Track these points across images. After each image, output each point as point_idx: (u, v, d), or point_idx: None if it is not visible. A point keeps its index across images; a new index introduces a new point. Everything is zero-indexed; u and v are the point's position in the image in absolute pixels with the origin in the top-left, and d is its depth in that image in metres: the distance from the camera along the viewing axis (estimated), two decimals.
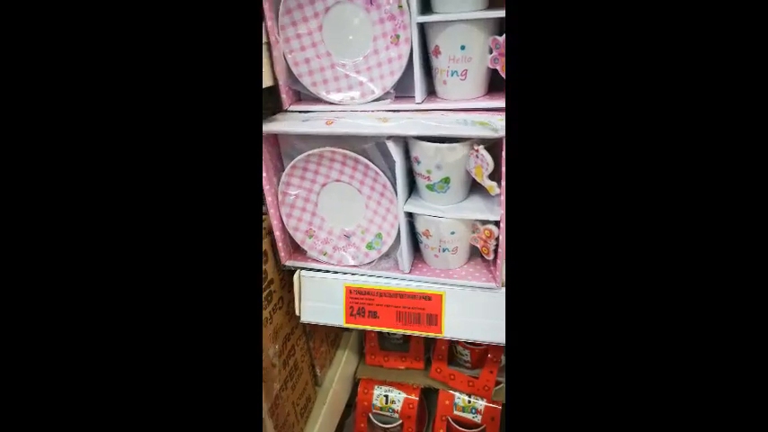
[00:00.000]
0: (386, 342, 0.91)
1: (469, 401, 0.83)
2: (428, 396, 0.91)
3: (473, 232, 0.53)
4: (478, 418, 0.82)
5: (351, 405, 0.91)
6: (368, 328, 0.58)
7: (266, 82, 0.53)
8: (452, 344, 0.86)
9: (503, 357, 0.82)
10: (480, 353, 0.83)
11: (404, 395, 0.85)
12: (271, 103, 0.57)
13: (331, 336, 0.84)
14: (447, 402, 0.84)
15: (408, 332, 0.57)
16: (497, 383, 0.82)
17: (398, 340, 0.91)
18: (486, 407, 0.82)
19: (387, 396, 0.86)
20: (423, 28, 0.50)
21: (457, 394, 0.84)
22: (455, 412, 0.84)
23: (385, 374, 0.88)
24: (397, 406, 0.85)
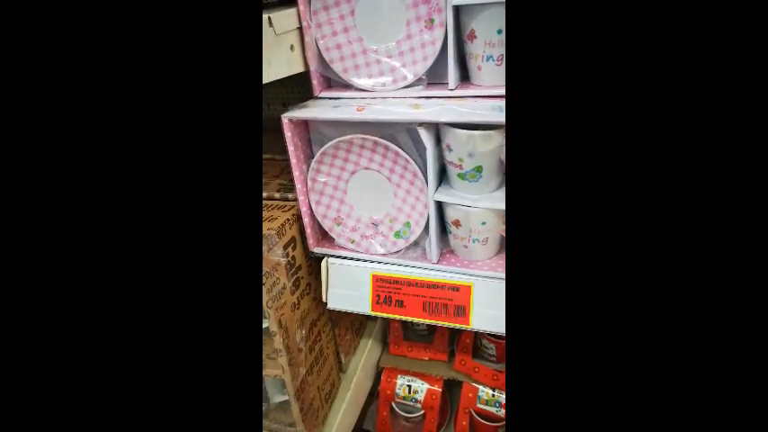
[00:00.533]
0: (410, 332, 0.91)
1: (493, 395, 0.82)
2: (451, 388, 0.90)
3: (504, 223, 0.52)
4: (502, 412, 0.82)
5: (373, 394, 0.91)
6: (394, 317, 0.58)
7: (297, 68, 0.53)
8: (477, 336, 0.85)
9: None
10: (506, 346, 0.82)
11: (427, 386, 0.85)
12: (302, 89, 0.56)
13: (356, 324, 0.84)
14: (471, 395, 0.84)
15: (435, 323, 0.56)
16: None
17: (423, 331, 0.91)
18: None
19: (410, 386, 0.86)
20: (458, 11, 0.48)
21: (481, 387, 0.83)
22: (479, 405, 0.83)
23: (408, 364, 0.88)
24: (420, 396, 0.85)
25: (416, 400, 0.86)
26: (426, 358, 0.88)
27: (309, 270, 0.61)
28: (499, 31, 0.47)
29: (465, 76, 0.54)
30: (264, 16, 0.45)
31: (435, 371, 0.86)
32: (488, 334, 0.82)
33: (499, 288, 0.53)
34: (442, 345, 0.87)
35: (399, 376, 0.87)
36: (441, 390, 0.84)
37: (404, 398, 0.86)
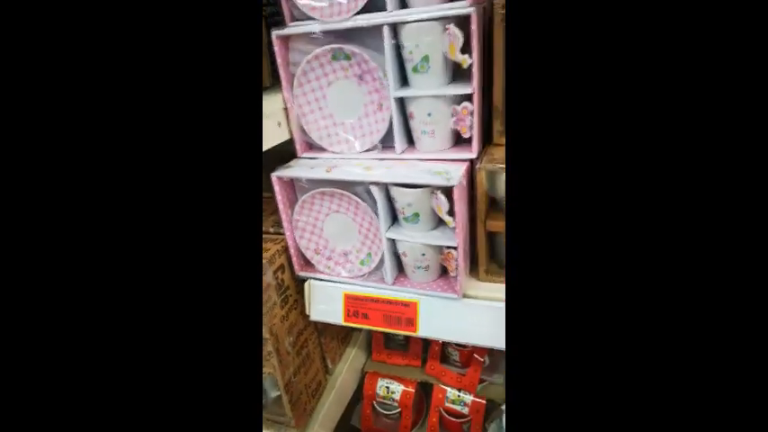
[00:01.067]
0: (390, 342, 1.06)
1: (459, 395, 0.96)
2: (426, 389, 1.05)
3: (440, 254, 0.68)
4: (466, 410, 0.96)
5: (359, 395, 1.06)
6: (361, 326, 0.74)
7: (285, 135, 0.71)
8: (445, 345, 1.00)
9: (486, 358, 0.95)
10: (467, 354, 0.96)
11: (402, 387, 1.00)
12: (289, 150, 0.74)
13: (341, 334, 1.00)
14: (440, 396, 0.98)
15: (391, 331, 0.72)
16: (482, 381, 0.96)
17: (401, 341, 1.06)
18: (472, 401, 0.95)
19: (388, 387, 1.01)
20: (401, 99, 0.65)
21: (449, 389, 0.97)
22: (446, 404, 0.97)
23: (388, 369, 1.03)
24: (397, 396, 1.00)
25: (394, 400, 1.00)
26: (403, 364, 1.03)
27: (296, 289, 0.78)
28: (429, 114, 0.64)
29: (411, 142, 0.70)
30: None
31: (410, 374, 1.01)
32: (454, 343, 0.97)
33: (439, 304, 0.69)
34: (416, 352, 1.02)
35: (379, 379, 1.02)
36: (413, 390, 0.99)
37: (383, 397, 1.01)
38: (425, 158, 0.66)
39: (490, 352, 0.95)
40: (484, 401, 0.94)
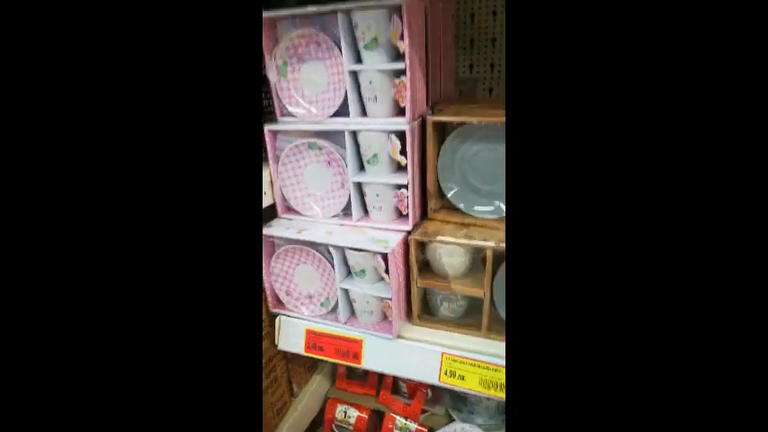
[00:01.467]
0: (352, 373, 1.23)
1: (405, 423, 1.12)
2: (379, 416, 1.20)
3: (382, 303, 0.86)
4: None
5: (322, 420, 1.22)
6: (316, 357, 0.92)
7: (269, 200, 0.91)
8: (396, 378, 1.16)
9: (429, 391, 1.11)
10: (413, 386, 1.13)
11: (357, 413, 1.16)
12: (271, 212, 0.94)
13: (309, 363, 1.17)
14: (390, 425, 1.14)
15: (340, 362, 0.90)
16: (424, 411, 1.12)
17: (361, 373, 1.23)
18: (416, 429, 1.11)
19: (345, 412, 1.17)
20: (358, 182, 0.86)
21: (397, 417, 1.13)
22: (395, 430, 1.13)
23: (348, 396, 1.19)
24: (352, 420, 1.16)
25: (350, 424, 1.16)
26: (361, 392, 1.20)
27: (269, 322, 0.96)
28: (377, 195, 0.84)
29: (367, 212, 0.90)
30: None
31: (366, 402, 1.17)
32: (403, 377, 1.14)
33: (380, 342, 0.87)
34: (372, 383, 1.19)
35: (339, 404, 1.18)
36: (367, 416, 1.15)
37: (341, 421, 1.17)
38: (375, 227, 0.86)
39: (432, 387, 1.12)
40: (426, 429, 1.10)
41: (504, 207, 0.82)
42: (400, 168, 0.84)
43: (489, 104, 0.86)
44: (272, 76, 0.85)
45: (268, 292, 0.94)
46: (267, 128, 0.87)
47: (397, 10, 0.71)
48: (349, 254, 0.84)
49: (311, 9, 0.76)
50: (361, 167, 0.86)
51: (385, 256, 0.79)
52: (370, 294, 0.85)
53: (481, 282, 0.79)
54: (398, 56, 0.76)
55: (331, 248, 0.84)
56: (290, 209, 0.95)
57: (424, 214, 0.88)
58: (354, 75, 0.79)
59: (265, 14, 0.79)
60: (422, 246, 0.84)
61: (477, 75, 1.24)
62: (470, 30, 1.21)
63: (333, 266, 0.86)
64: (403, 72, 0.75)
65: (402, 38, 0.72)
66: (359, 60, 0.79)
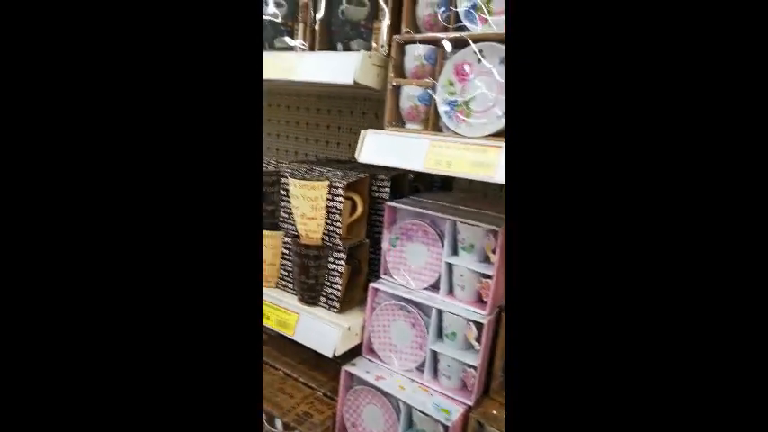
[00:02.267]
0: None
1: None
2: None
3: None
4: None
5: None
6: None
7: (357, 341, 1.08)
8: None
9: None
10: None
11: None
12: (356, 350, 1.11)
13: None
14: None
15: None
16: None
17: None
18: None
19: None
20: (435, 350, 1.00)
21: None
22: None
23: None
24: None
25: None
26: None
27: None
28: (448, 365, 0.97)
29: (436, 371, 1.03)
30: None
31: None
32: None
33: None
34: None
35: None
36: None
37: None
38: (441, 391, 0.98)
39: None
40: None
41: None
42: (472, 348, 0.97)
43: None
44: (384, 244, 1.06)
45: (338, 418, 1.08)
46: (372, 285, 1.06)
47: (494, 231, 0.89)
48: (414, 412, 0.96)
49: (428, 213, 0.97)
50: (439, 336, 1.01)
51: (446, 429, 0.90)
52: None
53: None
54: (488, 260, 0.92)
55: (401, 403, 0.97)
56: (372, 350, 1.11)
57: (485, 390, 0.99)
58: (449, 264, 0.97)
59: (389, 204, 1.02)
60: (479, 425, 0.94)
61: None
62: None
63: (398, 418, 0.99)
64: (490, 277, 0.91)
65: (494, 251, 0.89)
66: (455, 253, 0.97)
